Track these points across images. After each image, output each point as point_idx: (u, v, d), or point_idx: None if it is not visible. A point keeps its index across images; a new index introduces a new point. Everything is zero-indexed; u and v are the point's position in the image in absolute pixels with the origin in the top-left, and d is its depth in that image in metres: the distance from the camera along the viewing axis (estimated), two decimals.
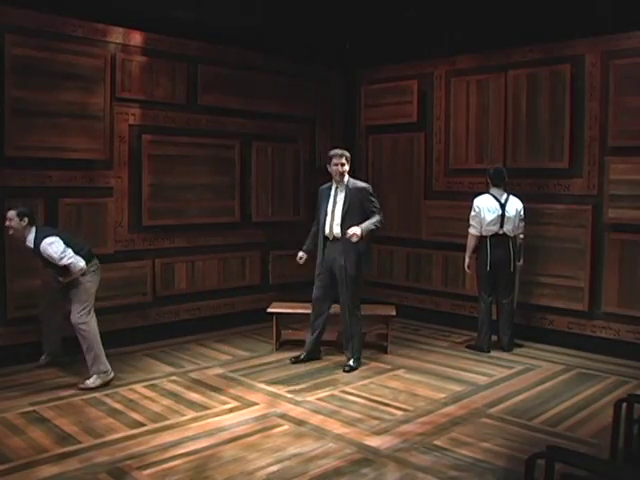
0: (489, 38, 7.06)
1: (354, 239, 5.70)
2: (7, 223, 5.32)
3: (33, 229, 5.33)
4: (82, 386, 5.34)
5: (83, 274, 5.40)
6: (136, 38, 6.74)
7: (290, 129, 8.23)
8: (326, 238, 5.98)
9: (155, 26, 6.77)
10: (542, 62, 6.95)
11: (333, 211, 5.94)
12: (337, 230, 5.92)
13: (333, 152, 5.98)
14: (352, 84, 8.81)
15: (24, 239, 5.33)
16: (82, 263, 5.30)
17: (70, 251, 5.27)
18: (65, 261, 5.25)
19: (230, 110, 7.53)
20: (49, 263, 5.34)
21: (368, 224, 5.82)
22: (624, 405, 3.43)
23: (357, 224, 5.77)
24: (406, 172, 8.21)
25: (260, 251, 7.96)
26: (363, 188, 5.99)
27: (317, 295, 6.12)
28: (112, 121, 6.56)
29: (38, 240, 5.26)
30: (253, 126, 7.79)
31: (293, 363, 6.15)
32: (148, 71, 6.81)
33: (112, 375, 5.49)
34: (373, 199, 5.98)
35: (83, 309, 5.40)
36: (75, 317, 5.38)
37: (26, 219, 5.29)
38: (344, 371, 5.93)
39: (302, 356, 6.23)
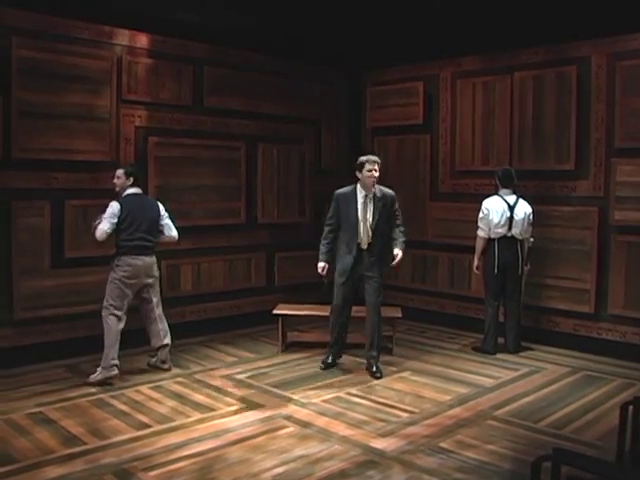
0: (495, 40, 7.05)
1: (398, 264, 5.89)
2: (114, 180, 5.79)
3: (129, 190, 5.73)
4: (87, 380, 5.45)
5: (117, 265, 5.61)
6: (142, 40, 6.76)
7: (295, 131, 8.23)
8: (358, 246, 5.78)
9: (161, 28, 6.79)
10: (548, 64, 6.94)
11: (365, 219, 5.76)
12: (370, 239, 5.78)
13: (366, 158, 5.75)
14: (357, 85, 8.81)
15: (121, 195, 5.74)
16: (102, 230, 5.51)
17: (109, 221, 5.53)
18: (101, 220, 5.56)
19: (235, 112, 7.54)
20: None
21: (402, 244, 5.90)
22: (630, 408, 3.41)
23: (386, 233, 5.83)
24: (412, 174, 8.20)
25: (266, 253, 7.97)
26: (390, 195, 5.90)
27: (341, 302, 5.92)
28: (118, 123, 6.58)
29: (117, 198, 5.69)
30: (258, 128, 7.80)
31: (324, 369, 6.03)
32: (154, 73, 6.83)
33: (114, 373, 5.50)
34: (397, 207, 5.95)
35: (105, 301, 5.59)
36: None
37: (131, 178, 5.73)
38: (377, 378, 5.78)
39: (330, 360, 6.11)
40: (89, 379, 5.46)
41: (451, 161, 7.86)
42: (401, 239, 5.92)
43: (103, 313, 5.58)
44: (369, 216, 5.77)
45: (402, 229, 5.98)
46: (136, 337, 6.58)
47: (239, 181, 7.61)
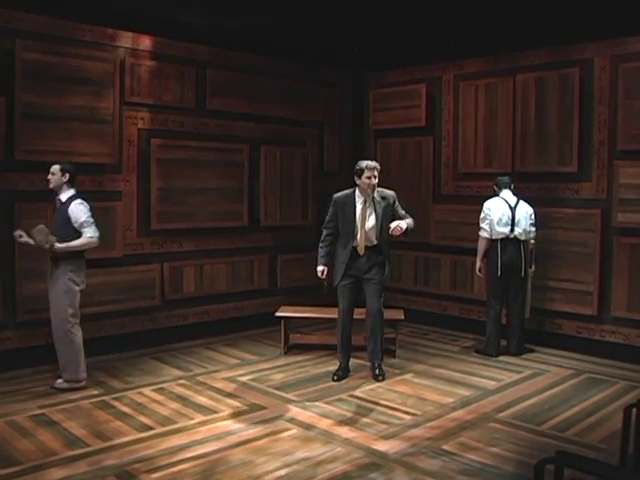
0: (497, 42, 7.05)
1: (397, 232, 5.50)
2: (48, 177, 5.36)
3: (72, 190, 5.38)
4: (53, 384, 5.41)
5: (72, 271, 5.31)
6: (145, 42, 6.77)
7: (298, 133, 8.24)
8: (356, 251, 5.68)
9: (164, 30, 6.80)
10: (551, 66, 6.95)
11: (363, 225, 5.65)
12: (368, 243, 5.67)
13: (365, 164, 5.58)
14: (360, 88, 8.82)
15: (58, 194, 5.38)
16: (95, 238, 5.29)
17: (95, 223, 5.31)
18: (86, 227, 5.26)
19: (239, 114, 7.55)
20: (60, 226, 5.30)
21: (410, 223, 5.66)
22: (634, 410, 3.41)
23: (388, 234, 5.63)
24: (414, 176, 8.20)
25: (268, 255, 7.97)
26: (390, 195, 5.76)
27: (347, 307, 5.79)
28: (121, 125, 6.59)
29: (71, 199, 5.32)
30: (261, 130, 7.81)
31: (337, 380, 5.79)
32: (157, 75, 6.84)
33: (81, 385, 5.41)
34: (399, 203, 5.80)
35: (64, 313, 5.30)
36: (56, 321, 5.33)
37: (67, 175, 5.34)
38: (379, 380, 5.76)
39: (343, 366, 5.92)
40: (55, 384, 5.39)
41: (453, 163, 7.86)
42: (409, 221, 5.69)
43: (65, 327, 5.27)
44: (368, 221, 5.65)
45: (412, 220, 5.77)
46: (135, 338, 6.62)
47: (242, 183, 7.61)
